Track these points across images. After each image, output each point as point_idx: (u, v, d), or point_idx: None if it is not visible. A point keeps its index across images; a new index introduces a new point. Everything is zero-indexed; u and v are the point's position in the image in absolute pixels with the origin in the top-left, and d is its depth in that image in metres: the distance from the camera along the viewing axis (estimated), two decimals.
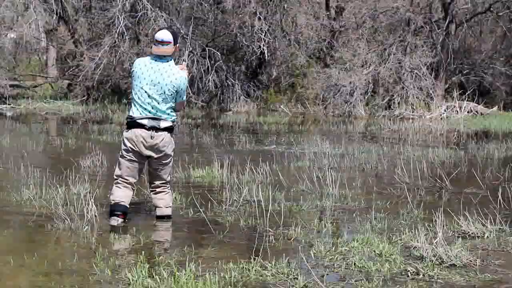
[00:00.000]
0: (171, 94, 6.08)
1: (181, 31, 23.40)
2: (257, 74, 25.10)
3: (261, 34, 23.05)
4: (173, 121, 6.23)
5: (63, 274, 4.66)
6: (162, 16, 22.80)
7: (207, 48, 23.74)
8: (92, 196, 6.65)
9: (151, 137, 6.04)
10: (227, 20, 24.05)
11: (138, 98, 6.10)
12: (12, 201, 7.23)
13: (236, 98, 23.67)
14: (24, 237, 5.85)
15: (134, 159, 6.14)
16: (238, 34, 23.67)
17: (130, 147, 6.12)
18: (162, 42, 6.08)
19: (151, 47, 6.27)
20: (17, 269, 4.82)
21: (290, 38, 24.53)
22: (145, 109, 6.08)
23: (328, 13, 25.75)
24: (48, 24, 26.05)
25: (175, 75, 6.07)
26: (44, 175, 8.37)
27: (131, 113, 6.17)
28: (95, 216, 6.22)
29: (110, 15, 22.67)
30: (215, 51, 23.73)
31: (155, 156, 6.12)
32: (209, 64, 23.42)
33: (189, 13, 24.65)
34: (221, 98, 23.86)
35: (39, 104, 23.93)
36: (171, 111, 6.18)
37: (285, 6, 24.53)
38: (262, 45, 23.11)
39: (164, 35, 6.12)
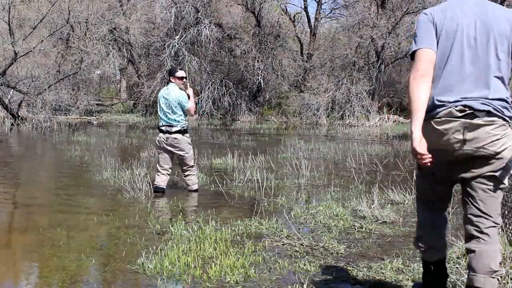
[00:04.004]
0: (175, 106, 6.06)
1: (207, 69, 23.41)
2: (256, 96, 25.05)
3: (259, 71, 23.03)
4: (182, 126, 6.15)
5: (128, 227, 4.63)
6: (195, 59, 22.74)
7: (224, 80, 23.73)
8: (148, 176, 6.60)
9: (167, 138, 6.10)
10: (237, 62, 24.02)
11: (160, 112, 6.19)
12: (95, 179, 7.19)
13: (242, 112, 23.66)
14: (103, 203, 5.80)
15: (163, 152, 6.21)
16: (244, 71, 23.65)
17: (158, 145, 6.24)
18: (182, 78, 6.24)
19: (174, 79, 6.21)
20: (98, 223, 4.78)
21: (277, 74, 24.49)
22: (163, 119, 6.16)
23: (302, 57, 25.72)
24: (121, 64, 26.07)
25: (176, 93, 6.09)
26: (117, 162, 8.33)
27: (158, 124, 6.31)
28: (149, 189, 6.18)
29: (161, 58, 22.64)
30: (229, 81, 23.73)
31: (174, 150, 6.14)
32: (225, 90, 23.43)
33: (212, 57, 24.63)
34: (233, 112, 23.84)
35: (114, 116, 23.93)
36: (180, 119, 6.13)
37: (275, 53, 24.49)
38: (259, 78, 23.10)
39: (183, 73, 6.29)
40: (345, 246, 4.08)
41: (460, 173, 2.43)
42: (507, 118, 2.35)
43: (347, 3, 25.59)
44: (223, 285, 3.27)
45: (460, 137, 2.31)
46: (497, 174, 2.38)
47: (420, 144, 2.30)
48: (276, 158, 9.56)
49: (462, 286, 3.09)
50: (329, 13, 29.25)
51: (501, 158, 2.35)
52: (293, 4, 70.70)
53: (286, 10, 26.60)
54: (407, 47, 22.60)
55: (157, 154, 6.30)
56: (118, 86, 32.58)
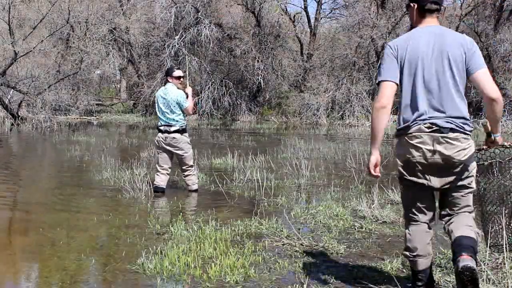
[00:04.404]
0: (174, 105, 6.07)
1: (207, 69, 23.42)
2: (256, 96, 25.06)
3: (259, 71, 23.04)
4: (180, 126, 6.15)
5: (128, 227, 4.64)
6: (195, 59, 22.74)
7: (224, 80, 23.73)
8: (147, 176, 6.61)
9: (166, 138, 6.11)
10: (237, 62, 24.03)
11: (159, 112, 6.21)
12: (95, 179, 7.20)
13: (242, 112, 23.67)
14: (103, 203, 5.81)
15: (162, 151, 6.22)
16: (244, 71, 23.66)
17: (157, 145, 6.26)
18: (180, 77, 6.24)
19: (172, 78, 6.22)
20: (98, 224, 4.79)
21: (277, 74, 24.49)
22: (162, 119, 6.18)
23: (302, 57, 25.72)
24: (121, 64, 26.09)
25: (174, 92, 6.11)
26: (117, 162, 8.33)
27: (157, 124, 6.32)
28: (149, 189, 6.18)
29: (161, 58, 22.65)
30: (229, 81, 23.73)
31: (173, 150, 6.14)
32: (225, 90, 23.44)
33: (212, 57, 24.63)
34: (233, 112, 23.85)
35: (114, 116, 23.95)
36: (179, 119, 6.14)
37: (275, 53, 24.50)
38: (259, 78, 23.11)
39: (180, 73, 6.29)
40: (345, 246, 4.09)
41: (434, 181, 2.78)
42: (468, 132, 2.75)
43: (347, 3, 25.59)
44: (223, 285, 3.27)
45: (431, 148, 2.71)
46: (465, 182, 2.77)
47: (375, 164, 2.92)
48: (276, 158, 9.55)
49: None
50: (329, 13, 29.28)
51: (466, 166, 2.74)
52: (293, 4, 70.75)
53: (286, 10, 26.61)
54: None
55: (157, 154, 6.33)
56: (118, 86, 32.58)
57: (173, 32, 22.94)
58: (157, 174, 6.24)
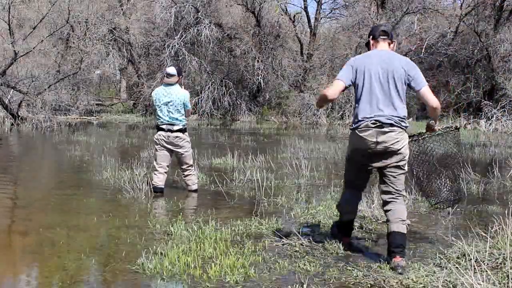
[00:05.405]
0: (180, 105, 6.08)
1: (207, 69, 23.42)
2: (256, 96, 25.06)
3: (259, 71, 23.05)
4: (183, 125, 6.16)
5: (128, 228, 4.64)
6: (195, 59, 22.74)
7: (224, 80, 23.75)
8: (147, 176, 6.61)
9: (168, 137, 6.09)
10: (237, 62, 24.03)
11: (160, 112, 6.13)
12: (95, 179, 7.19)
13: (242, 112, 23.66)
14: (103, 203, 5.81)
15: (162, 149, 6.17)
16: (244, 71, 23.66)
17: (156, 142, 6.20)
18: (169, 75, 6.16)
19: (163, 78, 6.25)
20: (99, 223, 4.79)
21: (277, 74, 24.48)
22: (163, 118, 6.13)
23: (302, 57, 25.72)
24: (121, 64, 26.08)
25: (180, 92, 6.12)
26: (117, 162, 8.33)
27: (157, 122, 6.25)
28: (149, 189, 6.18)
29: (161, 58, 22.65)
30: (229, 81, 23.74)
31: (175, 149, 6.13)
32: (225, 90, 23.45)
33: (212, 57, 24.63)
34: (233, 112, 23.85)
35: (114, 116, 23.93)
36: (182, 118, 6.15)
37: (275, 53, 24.48)
38: (259, 78, 23.12)
39: (171, 70, 6.20)
40: (345, 246, 4.08)
41: (376, 163, 3.71)
42: (403, 128, 3.66)
43: (347, 3, 25.58)
44: (223, 285, 3.27)
45: (374, 139, 3.61)
46: (399, 164, 3.69)
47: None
48: (276, 158, 9.55)
49: (461, 285, 3.09)
50: (329, 13, 29.24)
51: (401, 153, 3.65)
52: (293, 4, 70.83)
53: (286, 10, 26.58)
54: (407, 47, 22.61)
55: (155, 152, 6.28)
56: (118, 86, 32.55)
57: (173, 32, 22.93)
58: (155, 174, 6.20)
